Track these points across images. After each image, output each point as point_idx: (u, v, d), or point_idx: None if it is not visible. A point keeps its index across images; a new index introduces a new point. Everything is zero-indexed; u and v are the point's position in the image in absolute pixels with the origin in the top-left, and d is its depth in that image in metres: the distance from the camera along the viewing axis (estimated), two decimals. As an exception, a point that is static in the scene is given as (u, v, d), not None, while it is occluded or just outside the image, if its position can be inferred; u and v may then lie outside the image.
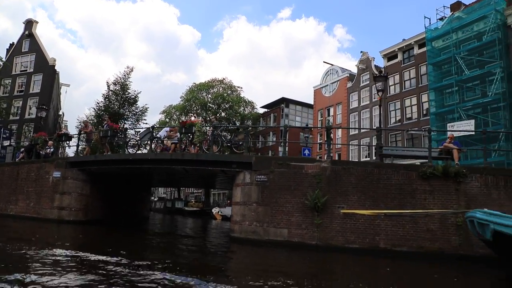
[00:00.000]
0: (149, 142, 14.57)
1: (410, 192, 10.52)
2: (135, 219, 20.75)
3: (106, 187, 17.72)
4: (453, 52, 25.46)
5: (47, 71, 32.30)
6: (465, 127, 22.40)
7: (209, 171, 14.19)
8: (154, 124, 35.29)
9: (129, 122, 36.72)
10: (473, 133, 21.63)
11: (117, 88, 36.35)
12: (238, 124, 44.54)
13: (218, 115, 44.82)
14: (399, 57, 31.22)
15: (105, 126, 16.43)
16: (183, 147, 13.94)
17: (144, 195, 23.20)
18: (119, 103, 36.63)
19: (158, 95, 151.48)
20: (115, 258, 7.52)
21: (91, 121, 34.68)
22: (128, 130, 23.79)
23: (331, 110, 37.68)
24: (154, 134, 14.86)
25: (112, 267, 6.69)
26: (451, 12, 28.79)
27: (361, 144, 32.43)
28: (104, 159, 15.60)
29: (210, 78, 47.43)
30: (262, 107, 48.69)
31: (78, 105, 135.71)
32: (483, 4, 25.18)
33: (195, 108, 44.84)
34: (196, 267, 7.91)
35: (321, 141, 37.54)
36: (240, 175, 12.46)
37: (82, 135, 17.08)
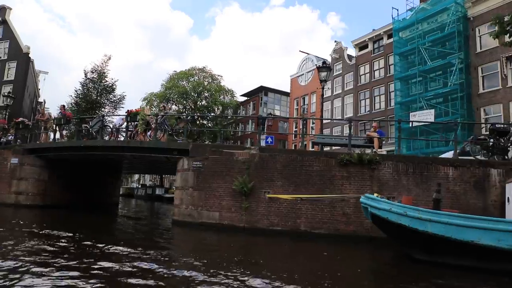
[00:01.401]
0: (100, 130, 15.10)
1: (329, 178, 11.17)
2: (100, 204, 21.30)
3: (66, 173, 18.28)
4: (417, 43, 26.00)
5: (21, 58, 32.41)
6: (425, 116, 23.14)
7: (154, 158, 14.81)
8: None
9: (107, 110, 37.01)
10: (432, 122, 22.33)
11: (95, 76, 36.65)
12: (218, 113, 45.02)
13: (198, 103, 45.18)
14: (370, 47, 31.69)
15: (58, 114, 16.95)
16: (129, 134, 14.50)
17: (111, 181, 23.76)
18: (97, 91, 36.93)
19: (150, 82, 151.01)
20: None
21: (67, 110, 35.03)
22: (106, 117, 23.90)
23: (306, 98, 38.17)
24: (105, 123, 15.39)
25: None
26: (420, 2, 29.22)
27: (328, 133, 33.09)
28: (58, 146, 16.16)
29: (190, 66, 47.48)
30: (242, 95, 49.04)
31: (67, 91, 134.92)
32: (445, -4, 25.60)
33: (175, 96, 45.05)
34: (134, 244, 8.52)
35: (297, 129, 38.17)
36: (180, 161, 13.11)
37: (40, 123, 17.56)
